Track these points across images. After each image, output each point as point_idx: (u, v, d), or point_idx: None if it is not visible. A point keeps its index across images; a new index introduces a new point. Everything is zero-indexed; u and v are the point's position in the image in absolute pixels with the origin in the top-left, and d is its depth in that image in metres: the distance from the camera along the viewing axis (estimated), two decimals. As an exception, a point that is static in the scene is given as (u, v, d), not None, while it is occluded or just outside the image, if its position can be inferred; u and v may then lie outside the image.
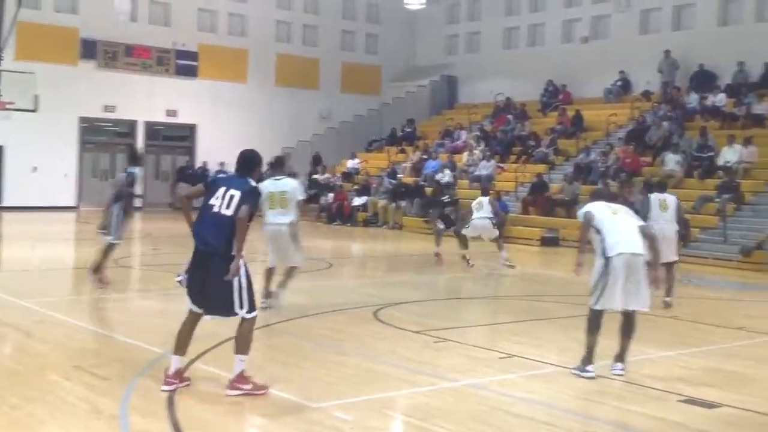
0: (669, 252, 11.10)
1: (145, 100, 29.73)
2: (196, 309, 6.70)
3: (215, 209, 6.53)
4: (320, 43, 33.84)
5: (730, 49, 24.97)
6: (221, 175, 9.65)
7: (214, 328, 8.54)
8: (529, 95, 29.66)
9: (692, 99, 24.87)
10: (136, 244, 20.38)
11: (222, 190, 6.58)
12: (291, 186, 10.22)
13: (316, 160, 31.16)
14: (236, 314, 6.55)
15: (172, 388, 6.51)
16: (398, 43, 35.22)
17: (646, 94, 26.81)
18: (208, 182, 6.94)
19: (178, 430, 5.72)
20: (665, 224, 11.30)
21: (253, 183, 6.75)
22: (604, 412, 6.65)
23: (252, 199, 6.60)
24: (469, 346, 8.78)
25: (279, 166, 10.95)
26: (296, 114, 32.45)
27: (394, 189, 26.04)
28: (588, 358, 7.41)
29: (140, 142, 30.24)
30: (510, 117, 28.42)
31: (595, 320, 7.46)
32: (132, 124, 30.25)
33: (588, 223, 7.59)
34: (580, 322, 7.80)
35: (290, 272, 10.54)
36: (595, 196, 8.25)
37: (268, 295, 10.26)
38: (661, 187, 12.11)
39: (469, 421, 6.16)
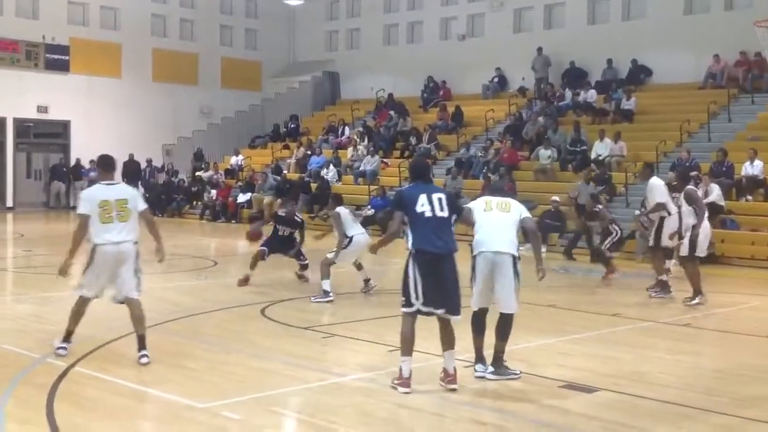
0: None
1: (15, 95, 28.39)
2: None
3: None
4: (198, 37, 33.22)
5: (599, 46, 26.04)
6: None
7: (90, 331, 8.28)
8: (410, 91, 30.03)
9: (566, 95, 25.79)
10: (9, 245, 19.47)
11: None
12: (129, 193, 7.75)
13: (198, 157, 30.57)
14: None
15: (407, 390, 6.68)
16: (278, 39, 34.98)
17: (522, 91, 27.63)
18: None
19: (58, 438, 5.51)
20: None
21: None
22: (489, 399, 6.81)
23: None
24: (357, 340, 8.83)
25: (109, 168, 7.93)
26: (176, 110, 31.74)
27: (279, 185, 25.86)
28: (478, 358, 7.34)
29: (10, 139, 28.93)
30: (392, 113, 28.70)
31: (476, 320, 7.32)
32: (1, 121, 28.84)
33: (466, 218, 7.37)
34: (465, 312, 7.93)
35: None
36: (490, 190, 8.03)
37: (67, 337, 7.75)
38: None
39: (358, 414, 6.20)
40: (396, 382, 6.80)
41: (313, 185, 25.32)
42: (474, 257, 7.21)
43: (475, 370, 7.31)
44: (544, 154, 22.61)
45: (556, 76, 27.17)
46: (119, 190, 7.68)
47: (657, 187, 12.36)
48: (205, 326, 9.48)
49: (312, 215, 24.37)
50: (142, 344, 7.48)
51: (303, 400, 6.65)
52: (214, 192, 27.12)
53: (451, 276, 6.85)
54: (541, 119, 24.56)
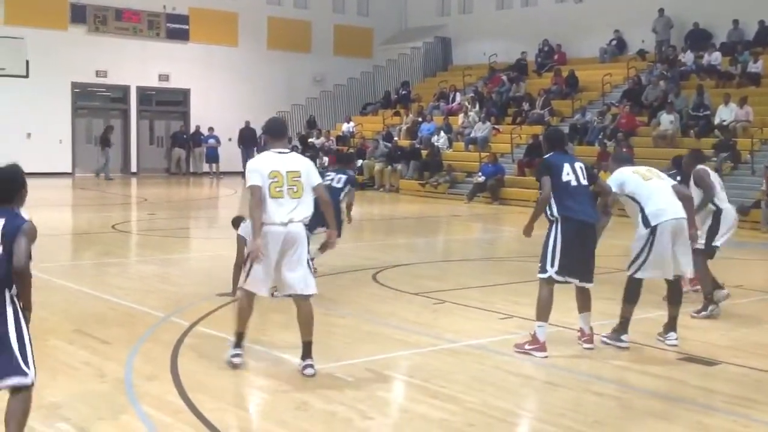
0: None
1: (138, 64, 29.49)
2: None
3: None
4: (311, 5, 33.54)
5: (724, 7, 24.81)
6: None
7: (208, 292, 8.59)
8: (524, 56, 29.47)
9: (687, 58, 24.75)
10: (133, 209, 20.36)
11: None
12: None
13: (311, 124, 31.05)
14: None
15: (544, 354, 6.83)
16: (390, 5, 34.93)
17: (642, 54, 26.68)
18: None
19: (182, 392, 5.76)
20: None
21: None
22: (606, 371, 6.70)
23: None
24: (468, 307, 8.83)
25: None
26: (289, 77, 32.25)
27: (390, 152, 25.99)
28: (623, 328, 7.26)
29: (133, 107, 30.11)
30: (504, 78, 28.27)
31: (634, 289, 7.27)
32: (125, 90, 30.04)
33: (621, 192, 7.33)
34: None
35: None
36: (618, 161, 7.84)
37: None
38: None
39: (471, 381, 6.21)
40: (530, 347, 6.90)
41: (424, 152, 25.32)
42: (654, 227, 7.08)
43: (666, 339, 7.36)
44: (666, 119, 21.79)
45: (678, 39, 26.06)
46: (292, 159, 6.34)
47: None
48: (320, 290, 9.65)
49: (422, 182, 24.44)
50: (307, 352, 6.26)
51: (415, 365, 6.71)
52: (326, 159, 27.50)
53: (592, 245, 7.06)
54: (662, 83, 23.66)
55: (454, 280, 10.69)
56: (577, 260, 6.94)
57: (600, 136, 22.57)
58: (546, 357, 6.78)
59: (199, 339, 7.13)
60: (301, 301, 6.32)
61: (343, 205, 10.21)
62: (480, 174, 22.65)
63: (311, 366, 6.19)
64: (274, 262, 6.15)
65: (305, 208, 6.19)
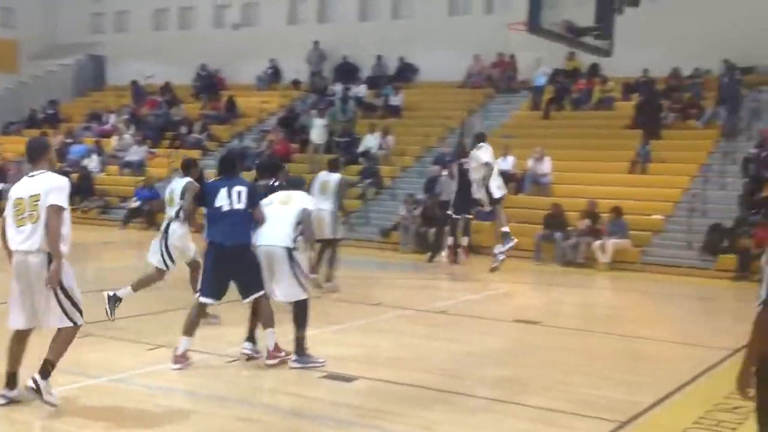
0: (326, 231, 11.63)
1: None
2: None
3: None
4: (-55, 12, 30.40)
5: (370, 43, 26.72)
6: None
7: None
8: (182, 79, 29.25)
9: (337, 89, 26.25)
10: None
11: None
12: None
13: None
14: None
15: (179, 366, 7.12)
16: (39, 18, 32.71)
17: (296, 83, 27.80)
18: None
19: None
20: (321, 204, 11.29)
21: None
22: (243, 392, 6.81)
23: None
24: (115, 339, 8.48)
25: None
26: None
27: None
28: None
29: None
30: (162, 101, 27.81)
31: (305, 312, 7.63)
32: None
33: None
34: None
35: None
36: (292, 185, 8.23)
37: None
38: (331, 167, 12.49)
39: (114, 416, 5.96)
40: (176, 365, 7.17)
41: (74, 175, 23.99)
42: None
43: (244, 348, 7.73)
44: (320, 123, 22.94)
45: (329, 70, 27.57)
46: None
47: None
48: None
49: (74, 207, 23.09)
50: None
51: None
52: (-38, 182, 24.93)
53: (242, 268, 7.26)
54: (314, 112, 24.81)
55: (99, 312, 10.18)
56: (219, 282, 7.24)
57: (256, 161, 23.02)
58: (180, 368, 7.12)
59: None
60: None
61: None
62: (135, 198, 21.99)
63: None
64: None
65: None
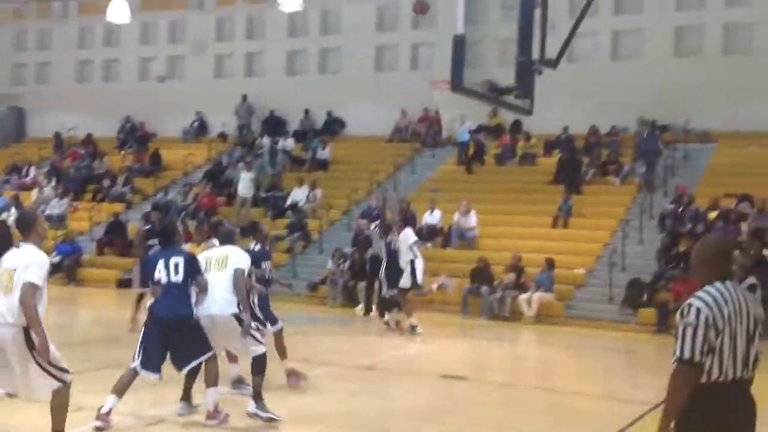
0: None
1: None
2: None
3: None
4: None
5: (298, 97, 26.90)
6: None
7: None
8: (106, 131, 28.86)
9: (265, 142, 26.25)
10: None
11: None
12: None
13: None
14: None
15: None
16: (-45, 69, 32.00)
17: (223, 136, 27.71)
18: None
19: None
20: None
21: None
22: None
23: None
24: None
25: None
26: None
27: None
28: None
29: None
30: (84, 153, 27.34)
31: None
32: None
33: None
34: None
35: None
36: (225, 237, 8.15)
37: None
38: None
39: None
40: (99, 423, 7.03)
41: (-7, 229, 23.26)
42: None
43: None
44: (247, 176, 22.91)
45: (257, 123, 27.59)
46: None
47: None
48: None
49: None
50: None
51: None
52: None
53: (179, 338, 7.22)
54: (241, 165, 24.73)
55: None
56: (157, 353, 7.22)
57: (182, 215, 22.76)
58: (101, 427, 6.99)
59: None
60: None
61: None
62: (55, 253, 21.41)
63: None
64: None
65: None
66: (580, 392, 10.11)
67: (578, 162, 21.13)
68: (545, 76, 7.45)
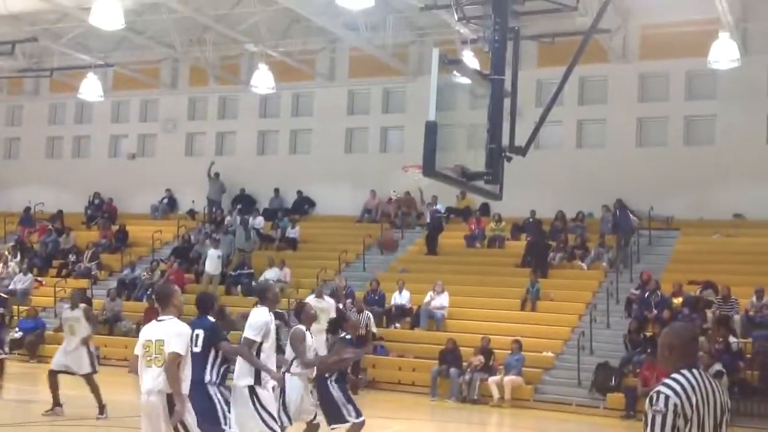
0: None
1: None
2: None
3: None
4: None
5: (268, 176, 27.06)
6: None
7: None
8: (74, 207, 28.71)
9: (234, 220, 26.24)
10: None
11: None
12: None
13: None
14: None
15: None
16: None
17: (192, 213, 27.68)
18: None
19: None
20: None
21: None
22: None
23: None
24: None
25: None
26: None
27: None
28: None
29: None
30: (51, 228, 27.13)
31: None
32: None
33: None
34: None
35: None
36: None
37: None
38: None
39: None
40: None
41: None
42: None
43: None
44: (214, 254, 22.99)
45: (226, 201, 27.62)
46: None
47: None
48: None
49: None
50: None
51: None
52: None
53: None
54: (208, 242, 24.67)
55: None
56: None
57: (148, 292, 22.53)
58: None
59: None
60: None
61: None
62: (17, 329, 21.03)
63: None
64: None
65: None
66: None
67: (545, 246, 21.38)
68: (513, 162, 7.66)
